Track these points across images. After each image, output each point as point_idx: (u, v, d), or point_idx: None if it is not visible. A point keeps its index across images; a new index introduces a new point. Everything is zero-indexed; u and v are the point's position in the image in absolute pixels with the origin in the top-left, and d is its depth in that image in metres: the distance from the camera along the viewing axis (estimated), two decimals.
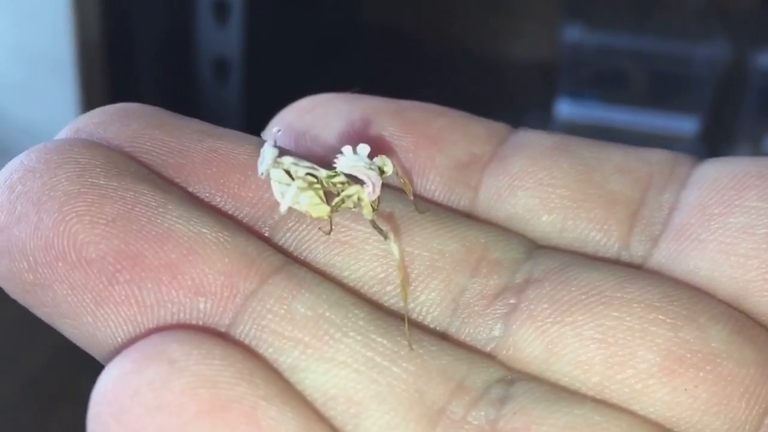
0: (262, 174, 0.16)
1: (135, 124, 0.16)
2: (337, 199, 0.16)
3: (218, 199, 0.16)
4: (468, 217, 0.18)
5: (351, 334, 0.15)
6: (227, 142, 0.17)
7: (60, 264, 0.14)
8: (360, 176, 0.15)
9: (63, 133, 0.17)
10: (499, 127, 0.19)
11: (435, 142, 0.18)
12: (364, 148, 0.15)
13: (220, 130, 0.17)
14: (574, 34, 0.62)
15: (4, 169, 0.15)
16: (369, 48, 0.75)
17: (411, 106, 0.19)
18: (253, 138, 0.17)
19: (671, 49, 0.62)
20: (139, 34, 0.54)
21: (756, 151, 0.61)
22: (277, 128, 0.16)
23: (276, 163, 0.15)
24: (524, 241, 0.17)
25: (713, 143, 0.62)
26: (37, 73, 0.52)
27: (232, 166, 0.16)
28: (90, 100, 0.51)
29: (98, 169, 0.15)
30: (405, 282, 0.16)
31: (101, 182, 0.15)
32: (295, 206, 0.16)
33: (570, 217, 0.17)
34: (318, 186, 0.16)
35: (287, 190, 0.15)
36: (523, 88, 0.69)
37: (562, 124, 0.63)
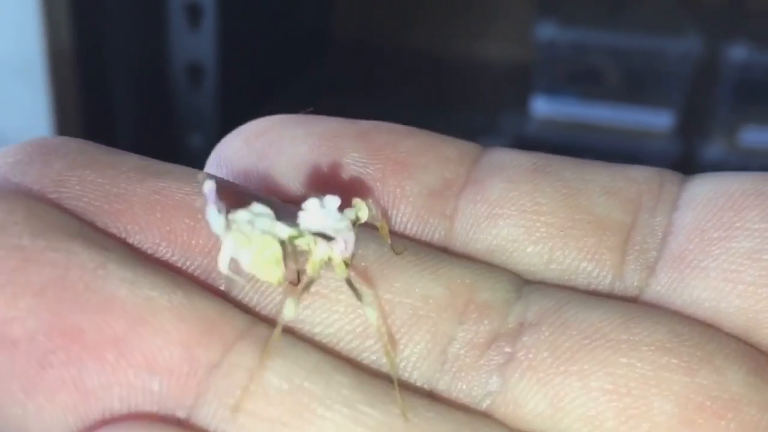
0: (218, 236, 0.13)
1: (59, 164, 0.14)
2: (307, 265, 0.14)
3: (164, 250, 0.14)
4: (445, 251, 0.16)
5: (336, 407, 0.13)
6: (171, 181, 0.14)
7: None
8: (329, 233, 0.13)
9: None
10: (470, 147, 0.17)
11: (404, 167, 0.16)
12: (332, 201, 0.14)
13: (162, 165, 0.15)
14: (547, 31, 0.62)
15: None
16: (342, 52, 0.74)
17: (374, 127, 0.17)
18: (201, 173, 0.15)
19: (644, 45, 0.62)
20: (111, 39, 0.53)
21: (731, 145, 0.61)
22: (209, 183, 0.13)
23: (228, 221, 0.13)
24: (512, 277, 0.16)
25: (688, 137, 0.63)
26: (7, 80, 0.51)
27: (179, 210, 0.14)
28: (61, 108, 0.50)
29: (19, 226, 0.13)
30: (389, 345, 0.14)
31: (24, 243, 0.12)
32: (245, 272, 0.14)
33: (558, 247, 0.16)
34: (276, 248, 0.13)
35: (244, 252, 0.13)
36: (498, 87, 0.69)
37: (539, 121, 0.63)
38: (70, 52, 0.50)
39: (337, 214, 0.14)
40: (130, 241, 0.14)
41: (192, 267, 0.14)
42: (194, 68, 0.56)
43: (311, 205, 0.14)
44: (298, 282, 0.14)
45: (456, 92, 0.69)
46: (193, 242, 0.14)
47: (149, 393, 0.12)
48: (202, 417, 0.12)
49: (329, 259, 0.14)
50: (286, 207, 0.15)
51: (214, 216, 0.13)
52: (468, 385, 0.14)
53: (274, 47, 0.65)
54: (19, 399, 0.12)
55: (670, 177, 0.17)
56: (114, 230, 0.14)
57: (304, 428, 0.12)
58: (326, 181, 0.16)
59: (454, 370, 0.14)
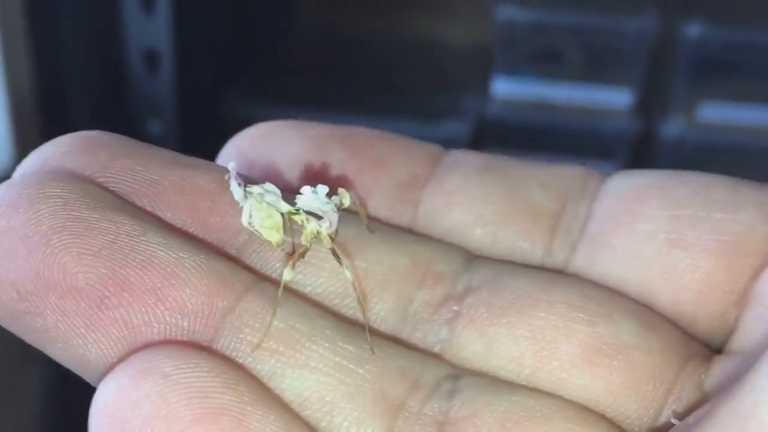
0: (239, 204, 0.17)
1: (104, 154, 0.17)
2: (301, 237, 0.17)
3: (189, 226, 0.17)
4: (410, 231, 0.20)
5: (320, 341, 0.16)
6: (195, 170, 0.18)
7: (50, 294, 0.15)
8: (319, 213, 0.17)
9: (29, 163, 0.17)
10: (435, 149, 0.21)
11: (379, 164, 0.20)
12: (322, 188, 0.17)
13: (187, 159, 0.18)
14: (506, 12, 0.62)
15: None
16: (304, 36, 0.74)
17: (356, 132, 0.21)
18: (219, 166, 0.18)
19: (602, 23, 0.63)
20: (65, 27, 0.52)
21: (689, 121, 0.62)
22: (232, 163, 0.17)
23: (247, 193, 0.17)
24: (463, 253, 0.19)
25: (647, 115, 0.63)
26: None
27: (202, 194, 0.17)
28: (15, 95, 0.49)
29: (78, 202, 0.16)
30: (362, 299, 0.18)
31: (83, 215, 0.16)
32: (256, 231, 0.17)
33: (501, 230, 0.20)
34: (277, 218, 0.17)
35: (255, 215, 0.17)
36: (459, 69, 0.69)
37: (500, 102, 0.63)
38: (24, 41, 0.49)
39: (326, 199, 0.17)
40: (162, 217, 0.17)
41: (210, 238, 0.17)
42: (150, 54, 0.55)
43: (306, 190, 0.17)
44: (293, 252, 0.18)
45: (417, 74, 0.69)
46: (211, 220, 0.17)
47: (180, 329, 0.16)
48: (219, 346, 0.16)
49: (318, 233, 0.17)
50: (285, 194, 0.18)
51: (236, 187, 0.17)
52: (423, 334, 0.18)
53: (235, 32, 0.64)
54: (81, 333, 0.16)
55: (594, 174, 0.20)
56: (149, 209, 0.17)
57: (295, 357, 0.16)
58: (316, 175, 0.20)
59: (413, 323, 0.18)
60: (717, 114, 0.62)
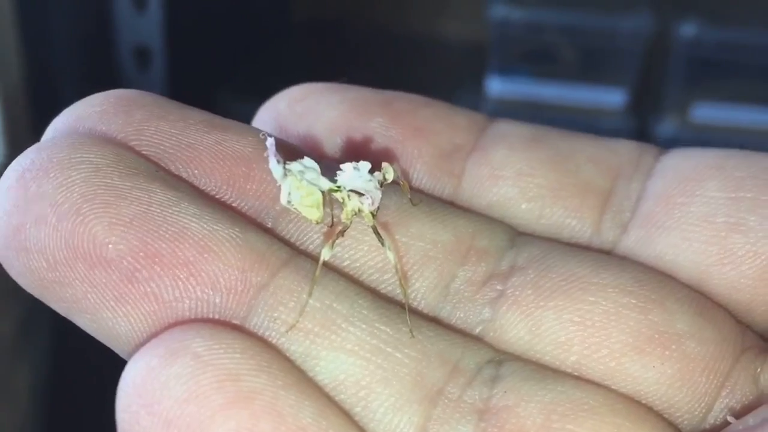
0: (278, 184, 0.16)
1: (138, 114, 0.17)
2: (342, 215, 0.17)
3: (224, 192, 0.17)
4: (452, 204, 0.19)
5: (357, 323, 0.16)
6: (232, 134, 0.17)
7: (80, 263, 0.15)
8: (361, 191, 0.16)
9: (61, 121, 0.17)
10: (479, 117, 0.20)
11: (421, 132, 0.19)
12: (365, 165, 0.16)
13: (223, 121, 0.17)
14: (500, 11, 0.62)
15: (14, 166, 0.16)
16: (299, 32, 0.73)
17: (397, 97, 0.20)
18: (255, 129, 0.18)
19: (597, 23, 0.62)
20: (55, 23, 0.52)
21: (683, 121, 0.62)
22: (271, 140, 0.16)
23: (287, 171, 0.16)
24: (507, 229, 0.18)
25: (641, 114, 0.63)
26: None
27: (238, 159, 0.17)
28: (6, 92, 0.49)
29: (110, 169, 0.15)
30: (403, 280, 0.17)
31: (115, 182, 0.15)
32: (295, 209, 0.17)
33: (547, 205, 0.19)
34: (318, 195, 0.16)
35: (294, 194, 0.16)
36: (453, 67, 0.69)
37: (493, 101, 0.63)
38: (13, 35, 0.49)
39: (368, 176, 0.16)
40: (197, 184, 0.16)
41: (245, 207, 0.17)
42: (141, 51, 0.54)
43: (347, 167, 0.16)
44: (332, 224, 0.17)
45: (411, 72, 0.68)
46: (248, 187, 0.17)
47: (212, 305, 0.15)
48: (252, 325, 0.15)
49: (359, 210, 0.17)
50: (322, 162, 0.17)
51: (275, 165, 0.16)
52: (465, 314, 0.17)
53: (228, 28, 0.64)
54: (111, 305, 0.15)
55: (648, 150, 0.20)
56: (184, 174, 0.16)
57: (331, 338, 0.15)
58: (354, 142, 0.19)
59: (454, 301, 0.17)
60: (711, 114, 0.62)
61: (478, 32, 0.67)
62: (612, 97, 0.63)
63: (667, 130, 0.62)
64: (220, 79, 0.62)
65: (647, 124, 0.63)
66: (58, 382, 0.54)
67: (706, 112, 0.62)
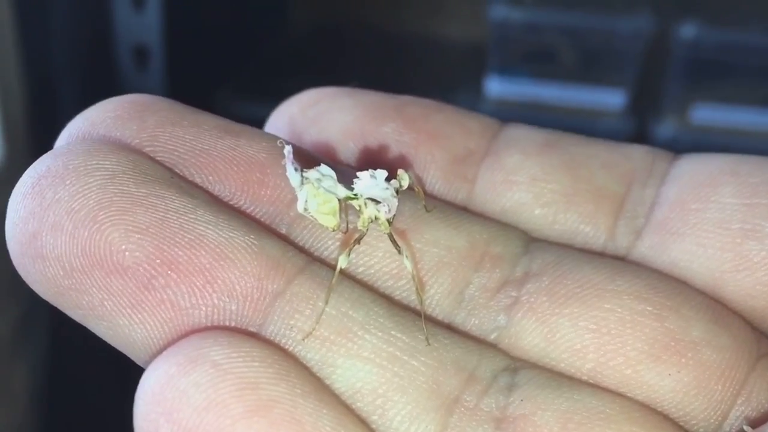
0: (295, 190, 0.16)
1: (152, 120, 0.17)
2: (358, 222, 0.17)
3: (238, 199, 0.17)
4: (466, 210, 0.19)
5: (373, 330, 0.16)
6: (246, 139, 0.17)
7: (96, 271, 0.15)
8: (378, 198, 0.17)
9: (76, 126, 0.17)
10: (491, 122, 0.20)
11: (434, 138, 0.19)
12: (381, 173, 0.16)
13: (237, 126, 0.17)
14: (500, 11, 0.62)
15: (29, 173, 0.16)
16: (297, 34, 0.73)
17: (410, 102, 0.20)
18: (268, 134, 0.18)
19: (596, 24, 0.62)
20: (54, 23, 0.52)
21: (682, 122, 0.62)
22: (288, 147, 0.16)
23: (304, 178, 0.16)
24: (521, 235, 0.18)
25: (640, 116, 0.63)
26: None
27: (252, 165, 0.17)
28: (4, 91, 0.49)
29: (126, 176, 0.15)
30: (420, 288, 0.17)
31: (131, 189, 0.15)
32: (312, 216, 0.17)
33: (561, 211, 0.19)
34: (335, 203, 0.16)
35: (311, 201, 0.16)
36: (452, 68, 0.69)
37: (493, 101, 0.63)
38: (12, 35, 0.49)
39: (385, 184, 0.16)
40: (211, 189, 0.17)
41: (260, 213, 0.17)
42: (140, 50, 0.54)
43: (364, 176, 0.16)
44: (347, 230, 0.17)
45: (411, 72, 0.68)
46: (262, 192, 0.17)
47: (228, 312, 0.15)
48: (268, 333, 0.15)
49: (375, 218, 0.17)
50: (337, 168, 0.17)
51: (292, 173, 0.16)
52: (479, 320, 0.17)
53: (227, 28, 0.64)
54: (127, 313, 0.15)
55: (662, 155, 0.20)
56: (198, 180, 0.16)
57: (347, 346, 0.15)
58: (367, 147, 0.19)
59: (469, 308, 0.17)
60: (710, 116, 0.62)
61: (477, 33, 0.67)
62: (611, 98, 0.63)
63: (666, 131, 0.62)
64: (219, 78, 0.62)
65: (647, 125, 0.63)
66: (55, 383, 0.54)
67: (706, 114, 0.62)
